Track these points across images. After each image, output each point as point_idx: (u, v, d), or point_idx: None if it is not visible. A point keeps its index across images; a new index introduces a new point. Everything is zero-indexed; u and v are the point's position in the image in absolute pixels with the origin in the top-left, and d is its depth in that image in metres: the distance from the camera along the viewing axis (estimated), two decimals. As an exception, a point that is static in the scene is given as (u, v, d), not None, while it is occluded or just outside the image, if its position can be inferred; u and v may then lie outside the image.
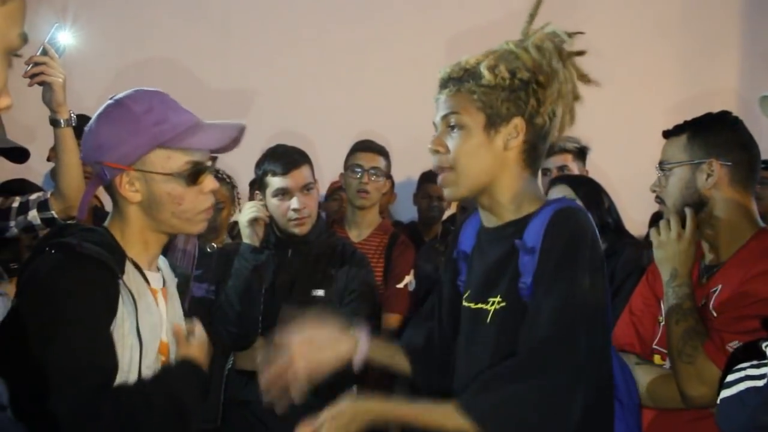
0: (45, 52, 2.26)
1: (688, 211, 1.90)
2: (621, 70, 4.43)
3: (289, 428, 1.46)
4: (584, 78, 1.58)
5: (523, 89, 1.51)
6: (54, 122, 2.30)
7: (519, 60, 1.51)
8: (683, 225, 1.91)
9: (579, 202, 2.65)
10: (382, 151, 3.32)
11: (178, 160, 1.54)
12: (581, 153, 3.35)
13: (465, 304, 1.62)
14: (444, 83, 1.57)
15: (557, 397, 1.40)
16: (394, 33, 4.68)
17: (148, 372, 1.53)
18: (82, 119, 2.89)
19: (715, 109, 2.01)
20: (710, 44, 4.84)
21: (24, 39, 0.91)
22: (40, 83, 2.25)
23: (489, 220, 1.59)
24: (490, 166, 1.53)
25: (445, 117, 1.55)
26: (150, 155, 1.52)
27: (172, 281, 1.71)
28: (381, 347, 1.73)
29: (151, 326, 1.55)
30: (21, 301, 1.51)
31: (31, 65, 2.23)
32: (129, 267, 1.54)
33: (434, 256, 3.44)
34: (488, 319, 1.53)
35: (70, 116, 2.31)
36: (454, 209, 4.05)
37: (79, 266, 1.46)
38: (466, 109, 1.52)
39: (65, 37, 2.35)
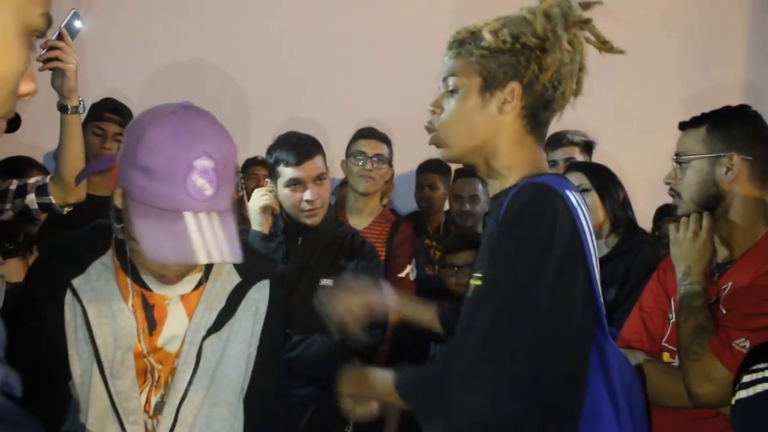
0: (60, 37, 2.22)
1: (705, 213, 1.87)
2: (628, 63, 4.38)
3: None
4: (606, 45, 1.53)
5: (524, 54, 1.47)
6: (62, 108, 2.27)
7: (529, 25, 1.48)
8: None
9: (593, 192, 2.64)
10: (385, 139, 3.30)
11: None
12: (588, 146, 3.32)
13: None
14: (449, 46, 1.55)
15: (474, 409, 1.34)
16: (397, 23, 4.64)
17: (120, 382, 1.49)
18: None
19: (723, 103, 1.97)
20: (717, 37, 4.81)
21: (48, 20, 0.84)
22: (53, 69, 2.22)
23: (490, 189, 1.57)
24: (481, 130, 1.50)
25: (444, 79, 1.54)
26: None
27: (213, 289, 1.56)
28: (409, 302, 1.92)
29: (113, 334, 1.48)
30: None
31: (45, 49, 2.20)
32: (97, 270, 1.49)
33: (425, 249, 3.43)
34: (469, 293, 1.50)
35: (80, 103, 2.29)
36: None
37: (36, 263, 1.52)
38: (464, 71, 1.50)
39: (81, 23, 2.31)
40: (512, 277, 1.35)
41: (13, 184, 2.34)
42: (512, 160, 1.50)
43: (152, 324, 1.52)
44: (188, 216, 1.30)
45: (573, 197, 1.42)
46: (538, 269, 1.34)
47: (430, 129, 1.57)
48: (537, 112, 1.50)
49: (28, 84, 0.84)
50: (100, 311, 1.47)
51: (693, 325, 1.76)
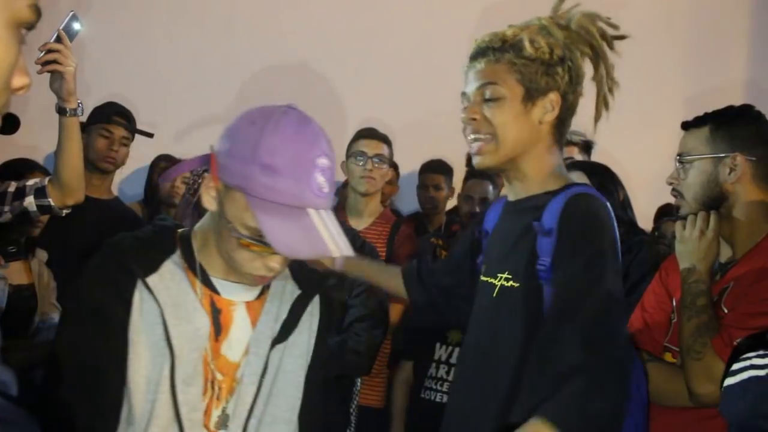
0: (59, 40, 2.22)
1: (713, 213, 1.87)
2: (630, 63, 4.38)
3: None
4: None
5: (559, 65, 1.51)
6: (61, 110, 2.27)
7: (552, 36, 1.51)
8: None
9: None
10: (385, 139, 3.29)
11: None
12: (587, 146, 3.31)
13: (482, 278, 1.63)
14: (482, 52, 1.55)
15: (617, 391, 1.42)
16: (399, 24, 4.64)
17: (190, 390, 1.37)
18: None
19: (725, 102, 1.96)
20: (720, 37, 4.81)
21: (36, 11, 0.81)
22: (51, 71, 2.22)
23: (513, 193, 1.60)
24: (526, 138, 1.54)
25: (481, 87, 1.54)
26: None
27: (277, 299, 1.50)
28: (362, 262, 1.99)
29: (188, 336, 1.39)
30: None
31: (44, 52, 2.20)
32: (170, 269, 1.41)
33: (430, 248, 3.42)
34: (495, 293, 1.54)
35: (78, 106, 2.28)
36: (456, 200, 4.03)
37: (99, 263, 1.41)
38: (504, 80, 1.52)
39: (79, 25, 2.31)
40: (598, 284, 1.43)
41: (12, 187, 2.34)
42: (543, 168, 1.57)
43: (218, 329, 1.44)
44: (312, 212, 1.31)
45: (610, 207, 1.53)
46: (615, 273, 1.47)
47: (477, 137, 1.57)
48: (565, 120, 1.58)
49: (21, 78, 0.82)
50: (177, 311, 1.39)
51: (696, 323, 1.76)
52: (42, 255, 2.79)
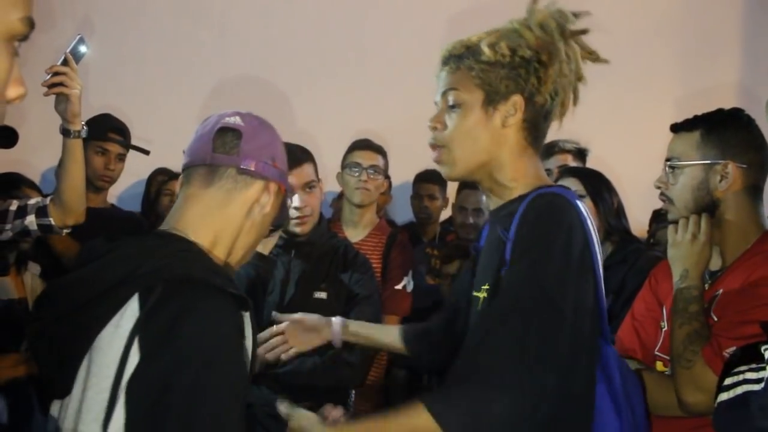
0: (66, 62, 2.26)
1: (704, 215, 1.84)
2: (622, 67, 4.40)
3: None
4: (592, 55, 1.54)
5: (523, 67, 1.48)
6: (65, 132, 2.30)
7: (522, 38, 1.48)
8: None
9: (587, 198, 2.62)
10: (380, 150, 3.30)
11: None
12: (581, 153, 3.31)
13: (473, 293, 1.60)
14: (445, 60, 1.55)
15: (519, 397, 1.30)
16: (392, 33, 4.65)
17: None
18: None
19: (716, 106, 1.93)
20: (712, 40, 4.82)
21: (29, 24, 0.83)
22: (57, 94, 2.25)
23: (493, 202, 1.57)
24: (487, 144, 1.50)
25: (444, 94, 1.54)
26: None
27: None
28: (358, 328, 1.99)
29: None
30: None
31: (50, 75, 2.24)
32: None
33: (425, 258, 3.41)
34: (479, 306, 1.51)
35: (82, 128, 2.32)
36: (450, 210, 4.02)
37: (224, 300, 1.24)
38: (465, 86, 1.50)
39: (86, 48, 2.35)
40: (538, 286, 1.35)
41: (14, 205, 2.37)
42: (516, 173, 1.52)
43: None
44: None
45: (582, 207, 1.44)
46: (562, 277, 1.35)
47: (434, 146, 1.56)
48: (538, 123, 1.52)
49: (16, 88, 0.84)
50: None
51: (687, 330, 1.74)
52: (35, 268, 2.78)
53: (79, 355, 1.21)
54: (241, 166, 1.37)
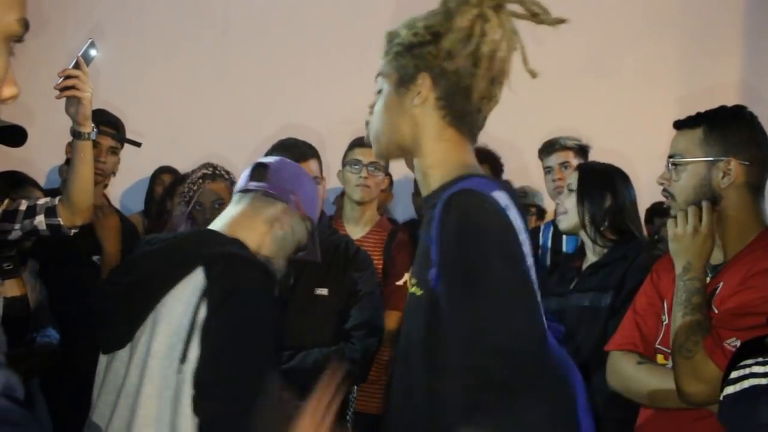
0: (77, 66, 2.29)
1: (704, 204, 1.84)
2: (623, 64, 4.41)
3: None
4: (537, 18, 1.42)
5: (432, 43, 1.42)
6: (76, 134, 2.33)
7: (441, 13, 1.44)
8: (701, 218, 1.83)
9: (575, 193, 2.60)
10: (381, 148, 3.29)
11: None
12: (582, 150, 3.30)
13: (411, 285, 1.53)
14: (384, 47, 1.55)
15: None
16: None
17: None
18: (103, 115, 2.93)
19: (718, 103, 1.95)
20: (713, 38, 4.81)
21: (24, 25, 0.85)
22: (69, 97, 2.28)
23: (423, 190, 1.50)
24: (401, 126, 1.47)
25: (376, 80, 1.54)
26: None
27: None
28: None
29: None
30: None
31: (62, 78, 2.26)
32: None
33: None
34: (413, 302, 1.44)
35: (92, 130, 2.35)
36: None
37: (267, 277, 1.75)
38: (386, 70, 1.50)
39: (96, 51, 2.38)
40: (491, 342, 1.24)
41: (23, 205, 2.39)
42: (435, 158, 1.44)
43: None
44: None
45: (502, 197, 1.35)
46: (497, 280, 1.28)
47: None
48: (454, 101, 1.43)
49: (9, 88, 0.86)
50: None
51: (689, 321, 1.74)
52: (34, 266, 2.79)
53: (147, 311, 1.62)
54: (267, 190, 1.83)
